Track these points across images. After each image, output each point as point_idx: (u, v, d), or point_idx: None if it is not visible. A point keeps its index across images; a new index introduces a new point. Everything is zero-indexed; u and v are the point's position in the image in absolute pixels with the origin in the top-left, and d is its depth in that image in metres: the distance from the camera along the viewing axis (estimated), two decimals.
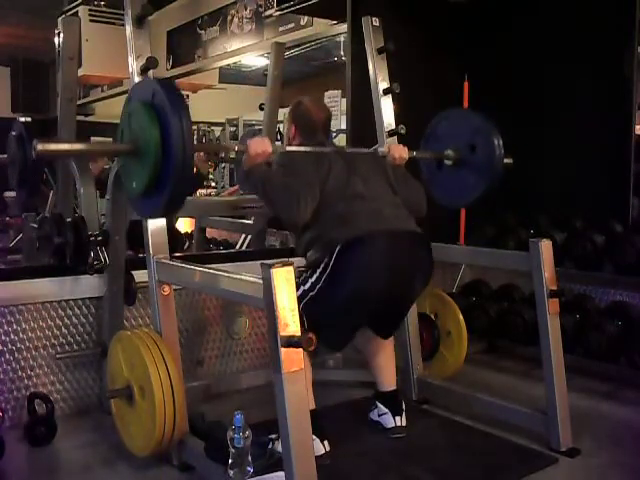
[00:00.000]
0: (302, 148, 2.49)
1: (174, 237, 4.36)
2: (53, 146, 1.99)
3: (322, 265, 2.34)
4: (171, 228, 4.19)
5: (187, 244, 5.23)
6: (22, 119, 2.87)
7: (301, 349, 1.74)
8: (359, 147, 2.74)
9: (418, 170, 2.94)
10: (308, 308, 2.31)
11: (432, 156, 2.89)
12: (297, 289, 2.31)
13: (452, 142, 2.83)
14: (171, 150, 1.80)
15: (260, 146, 2.31)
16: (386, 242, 2.36)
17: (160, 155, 1.82)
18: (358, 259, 2.30)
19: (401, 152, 2.64)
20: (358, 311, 2.40)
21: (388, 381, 2.69)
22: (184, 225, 5.78)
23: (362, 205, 2.42)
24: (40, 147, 1.81)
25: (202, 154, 4.64)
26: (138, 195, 1.97)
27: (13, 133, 2.88)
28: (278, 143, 2.37)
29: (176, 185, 1.84)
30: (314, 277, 2.37)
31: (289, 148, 2.46)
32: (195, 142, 10.68)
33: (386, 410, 2.64)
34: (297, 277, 2.25)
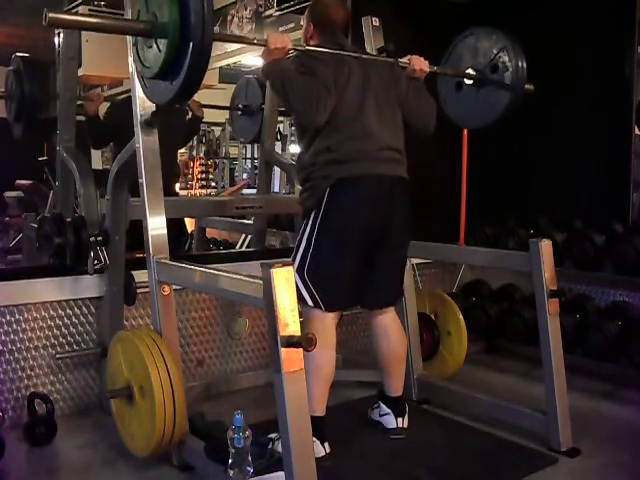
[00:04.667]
0: (323, 49, 2.41)
1: (182, 232, 4.38)
2: (65, 16, 1.92)
3: (312, 215, 2.41)
4: (180, 222, 4.19)
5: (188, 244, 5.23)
6: (20, 54, 2.82)
7: (301, 349, 1.74)
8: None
9: (436, 91, 2.90)
10: (311, 271, 2.37)
11: (453, 73, 2.85)
12: (295, 258, 2.40)
13: (473, 61, 2.80)
14: (190, 31, 1.74)
15: (280, 40, 2.29)
16: (372, 184, 2.41)
17: (178, 36, 1.77)
18: (344, 203, 2.37)
19: (422, 64, 2.61)
20: (351, 250, 2.40)
21: (396, 387, 2.67)
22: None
23: (363, 144, 2.41)
24: (51, 15, 1.75)
25: (197, 100, 4.67)
26: (151, 78, 1.92)
27: (11, 68, 2.83)
28: (298, 40, 2.30)
29: (193, 68, 1.79)
30: (308, 229, 2.41)
31: (309, 47, 2.39)
32: (196, 142, 10.68)
33: (389, 411, 2.63)
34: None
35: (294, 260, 2.41)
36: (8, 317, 2.71)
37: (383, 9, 3.45)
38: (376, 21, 3.13)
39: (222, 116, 10.64)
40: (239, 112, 4.83)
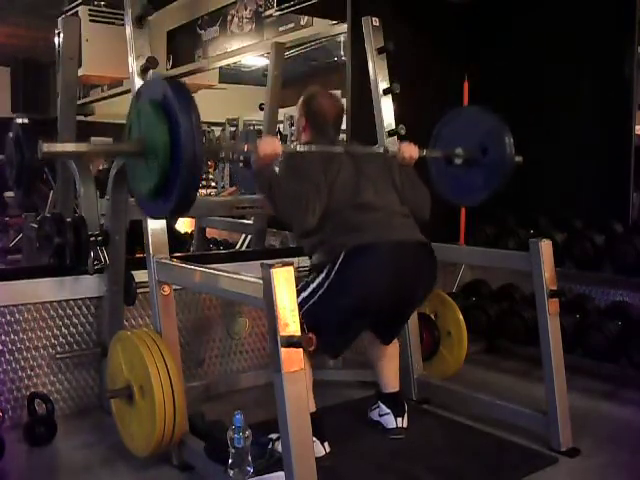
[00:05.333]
0: (312, 148, 2.45)
1: (176, 239, 4.38)
2: (58, 147, 1.98)
3: (325, 270, 2.33)
4: (171, 229, 4.20)
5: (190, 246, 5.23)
6: (19, 120, 2.86)
7: (301, 349, 1.74)
8: (362, 145, 2.72)
9: (426, 167, 2.93)
10: (308, 315, 2.30)
11: (441, 155, 2.87)
12: (297, 296, 2.34)
13: (462, 141, 2.82)
14: (181, 151, 1.77)
15: (270, 146, 2.28)
16: (392, 252, 2.35)
17: (169, 156, 1.80)
18: (362, 266, 2.29)
19: (411, 152, 2.61)
20: (358, 319, 2.39)
21: (391, 383, 2.68)
22: (184, 225, 5.77)
23: (370, 214, 2.40)
24: (45, 148, 1.80)
25: None
26: (145, 197, 1.96)
27: (10, 134, 2.88)
28: (287, 143, 2.34)
29: (185, 187, 1.81)
30: (316, 282, 2.35)
31: (299, 148, 2.42)
32: None
33: (388, 410, 2.63)
34: (298, 277, 2.25)
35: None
36: (8, 317, 2.71)
37: (383, 9, 3.44)
38: (376, 21, 3.13)
39: (222, 116, 10.67)
40: (240, 164, 4.81)
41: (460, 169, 2.83)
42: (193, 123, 1.76)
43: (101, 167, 4.14)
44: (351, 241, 2.31)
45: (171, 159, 1.80)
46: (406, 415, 2.64)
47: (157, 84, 1.94)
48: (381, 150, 2.66)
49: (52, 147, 1.86)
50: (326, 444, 2.35)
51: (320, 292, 2.32)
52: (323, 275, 2.33)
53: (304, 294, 2.35)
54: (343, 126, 2.94)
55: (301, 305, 2.29)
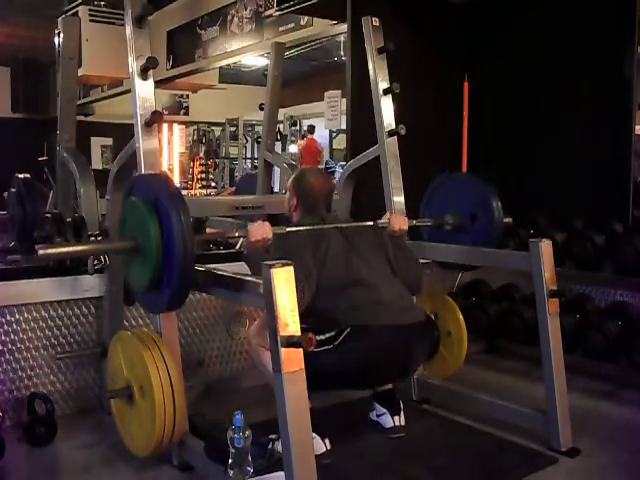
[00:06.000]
0: (301, 228, 2.48)
1: None
2: (54, 250, 2.07)
3: (327, 335, 2.34)
4: None
5: None
6: (21, 176, 2.88)
7: (301, 349, 1.74)
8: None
9: (418, 232, 3.03)
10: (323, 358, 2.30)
11: (432, 224, 2.98)
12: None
13: (451, 207, 2.94)
14: (172, 248, 1.85)
15: (260, 232, 2.32)
16: (390, 337, 2.38)
17: (161, 254, 1.87)
18: (360, 348, 2.33)
19: (401, 224, 2.67)
20: (348, 385, 2.54)
21: None
22: None
23: (365, 294, 2.42)
24: (42, 252, 1.87)
25: None
26: (142, 290, 2.00)
27: (12, 190, 2.89)
28: (277, 226, 2.39)
29: (179, 280, 1.89)
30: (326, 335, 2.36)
31: (288, 229, 2.45)
32: (195, 141, 10.64)
33: (384, 410, 2.64)
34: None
35: None
36: (8, 317, 2.71)
37: (383, 9, 3.45)
38: (376, 21, 3.13)
39: (222, 116, 10.68)
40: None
41: (450, 234, 2.97)
42: (183, 222, 1.85)
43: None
44: (351, 320, 2.35)
45: (163, 255, 1.88)
46: (402, 413, 2.64)
47: (149, 181, 2.03)
48: (371, 223, 2.67)
49: (48, 249, 1.95)
50: (327, 440, 2.36)
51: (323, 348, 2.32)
52: (324, 337, 2.33)
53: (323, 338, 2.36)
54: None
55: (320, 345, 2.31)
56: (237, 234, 2.61)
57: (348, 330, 2.32)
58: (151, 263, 1.87)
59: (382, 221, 2.68)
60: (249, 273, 2.09)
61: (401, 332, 2.41)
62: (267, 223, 2.40)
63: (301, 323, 2.38)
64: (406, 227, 2.70)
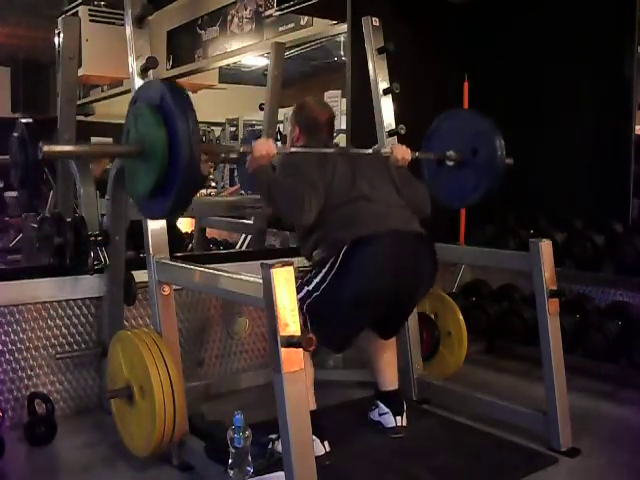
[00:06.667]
0: (306, 150, 2.48)
1: (176, 237, 4.39)
2: (58, 148, 2.00)
3: (328, 265, 2.34)
4: (173, 226, 4.21)
5: (190, 245, 5.22)
6: (24, 120, 2.86)
7: (301, 349, 1.74)
8: (359, 147, 2.74)
9: (419, 170, 2.94)
10: (311, 309, 2.32)
11: (434, 157, 2.89)
12: (301, 289, 2.34)
13: (454, 143, 2.84)
14: (178, 152, 1.79)
15: (264, 147, 2.32)
16: (391, 243, 2.36)
17: (167, 157, 1.81)
18: (363, 259, 2.30)
19: (404, 153, 2.64)
20: (362, 312, 2.39)
21: (390, 381, 2.69)
22: (184, 225, 5.77)
23: (368, 206, 2.42)
24: (46, 149, 1.81)
25: (203, 155, 4.65)
26: (143, 197, 1.97)
27: (15, 134, 2.88)
28: (282, 145, 2.37)
29: (183, 187, 1.83)
30: (319, 277, 2.36)
31: (293, 149, 2.45)
32: None
33: (387, 410, 2.64)
34: (300, 277, 2.23)
35: (299, 291, 2.33)
36: (8, 317, 2.71)
37: (383, 9, 3.44)
38: (376, 21, 3.13)
39: (222, 116, 10.67)
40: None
41: (452, 171, 2.86)
42: (190, 124, 1.78)
43: (107, 166, 4.15)
44: (351, 235, 2.32)
45: (169, 160, 1.81)
46: (405, 414, 2.64)
47: (154, 86, 1.96)
48: (373, 151, 2.67)
49: (52, 148, 1.88)
50: (326, 443, 2.35)
51: (323, 286, 2.34)
52: (325, 269, 2.35)
53: (308, 287, 2.37)
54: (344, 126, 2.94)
55: (304, 299, 2.33)
56: (242, 149, 2.58)
57: (346, 247, 2.30)
58: (156, 167, 1.81)
59: (385, 150, 2.66)
60: (249, 273, 2.08)
61: (405, 237, 2.40)
62: (271, 139, 2.40)
63: (308, 254, 2.46)
64: (409, 157, 2.65)
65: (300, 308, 2.30)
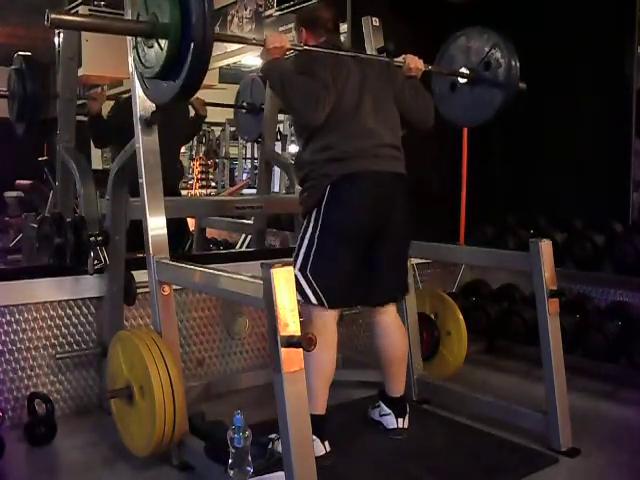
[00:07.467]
0: (320, 49, 2.43)
1: (184, 231, 4.39)
2: (66, 17, 1.96)
3: (314, 213, 2.41)
4: (181, 222, 4.20)
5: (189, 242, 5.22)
6: (22, 53, 2.84)
7: (301, 349, 1.74)
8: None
9: (430, 91, 2.91)
10: (315, 266, 2.38)
11: (447, 72, 2.89)
12: (297, 256, 2.40)
13: (466, 60, 2.85)
14: (192, 30, 1.77)
15: (278, 40, 2.32)
16: (371, 180, 2.42)
17: (179, 35, 1.79)
18: (346, 196, 2.38)
19: (417, 63, 2.64)
20: (349, 248, 2.41)
21: (398, 388, 2.66)
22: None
23: (361, 143, 2.43)
24: (54, 16, 1.77)
25: (200, 98, 4.69)
26: (152, 78, 1.94)
27: (13, 67, 2.85)
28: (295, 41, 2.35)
29: (194, 67, 1.81)
30: (310, 227, 2.42)
31: (307, 47, 2.41)
32: (196, 142, 10.66)
33: (389, 411, 2.63)
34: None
35: (296, 259, 2.42)
36: (8, 317, 2.71)
37: (383, 9, 3.45)
38: (376, 21, 3.13)
39: (222, 116, 10.64)
40: (243, 110, 4.83)
41: (464, 89, 2.86)
42: (206, 4, 1.76)
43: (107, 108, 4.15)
44: (336, 172, 2.38)
45: (181, 38, 1.80)
46: (407, 416, 2.63)
47: None
48: (387, 59, 2.64)
49: (60, 16, 1.83)
50: (327, 443, 2.35)
51: (316, 236, 2.40)
52: (313, 219, 2.42)
53: (304, 245, 2.42)
54: None
55: (305, 258, 2.39)
56: (254, 41, 2.54)
57: (332, 182, 2.38)
58: (168, 47, 1.79)
59: (398, 59, 2.65)
60: (249, 273, 2.07)
61: (384, 176, 2.46)
62: (284, 34, 2.39)
63: (300, 180, 2.53)
64: (422, 67, 2.65)
65: (305, 278, 2.37)
